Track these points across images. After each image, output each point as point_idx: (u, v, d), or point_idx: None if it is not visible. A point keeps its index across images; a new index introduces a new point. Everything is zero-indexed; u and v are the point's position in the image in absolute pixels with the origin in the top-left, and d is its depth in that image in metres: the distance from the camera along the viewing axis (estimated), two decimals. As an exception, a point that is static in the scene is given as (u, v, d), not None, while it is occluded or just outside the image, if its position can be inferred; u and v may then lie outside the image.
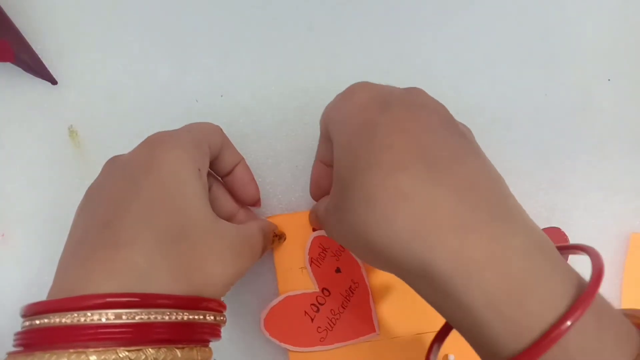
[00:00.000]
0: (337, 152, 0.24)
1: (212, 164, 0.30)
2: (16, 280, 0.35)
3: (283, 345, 0.32)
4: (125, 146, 0.35)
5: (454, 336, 0.32)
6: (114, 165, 0.26)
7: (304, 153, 0.35)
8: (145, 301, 0.21)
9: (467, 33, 0.36)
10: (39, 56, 0.35)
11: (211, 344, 0.25)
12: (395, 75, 0.36)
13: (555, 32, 0.36)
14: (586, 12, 0.36)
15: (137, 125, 0.36)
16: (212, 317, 0.24)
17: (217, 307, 0.25)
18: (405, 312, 0.33)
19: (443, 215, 0.20)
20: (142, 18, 0.36)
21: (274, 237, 0.32)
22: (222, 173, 0.31)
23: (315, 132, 0.35)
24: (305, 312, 0.32)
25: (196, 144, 0.27)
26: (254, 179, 0.32)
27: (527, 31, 0.36)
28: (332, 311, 0.32)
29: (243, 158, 0.32)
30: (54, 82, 0.36)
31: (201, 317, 0.23)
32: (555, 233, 0.32)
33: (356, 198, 0.22)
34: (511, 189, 0.36)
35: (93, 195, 0.26)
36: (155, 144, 0.26)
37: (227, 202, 0.31)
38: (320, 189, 0.30)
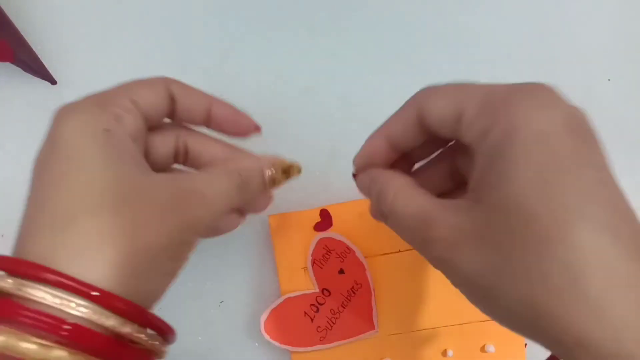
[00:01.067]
0: (509, 178, 0.18)
1: (176, 116, 0.27)
2: (16, 281, 0.35)
3: (283, 347, 0.32)
4: (125, 146, 0.36)
5: (452, 332, 0.32)
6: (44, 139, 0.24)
7: (304, 153, 0.35)
8: (103, 299, 0.19)
9: (467, 33, 0.36)
10: (39, 56, 0.35)
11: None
12: (395, 75, 0.36)
13: (555, 32, 0.36)
14: (586, 12, 0.36)
15: (137, 125, 0.36)
16: (154, 342, 0.21)
17: (166, 330, 0.22)
18: (405, 310, 0.33)
19: None
20: (142, 18, 0.36)
21: (274, 175, 0.26)
22: (199, 121, 0.27)
23: (315, 132, 0.35)
24: (305, 312, 0.32)
25: (100, 103, 0.24)
26: (237, 110, 0.28)
27: (527, 31, 0.36)
28: (332, 311, 0.32)
29: (214, 97, 0.27)
30: (53, 82, 0.36)
31: (143, 336, 0.20)
32: None
33: (546, 253, 0.16)
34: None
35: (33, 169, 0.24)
36: (56, 115, 0.24)
37: (213, 151, 0.27)
38: (370, 165, 0.26)
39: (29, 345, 0.18)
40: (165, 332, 0.22)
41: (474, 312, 0.32)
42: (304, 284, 0.33)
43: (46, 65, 0.35)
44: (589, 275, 0.16)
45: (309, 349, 0.32)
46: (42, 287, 0.19)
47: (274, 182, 0.27)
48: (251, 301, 0.34)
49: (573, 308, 0.16)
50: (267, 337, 0.32)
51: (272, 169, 0.26)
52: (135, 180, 0.22)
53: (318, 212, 0.33)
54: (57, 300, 0.18)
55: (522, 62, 0.36)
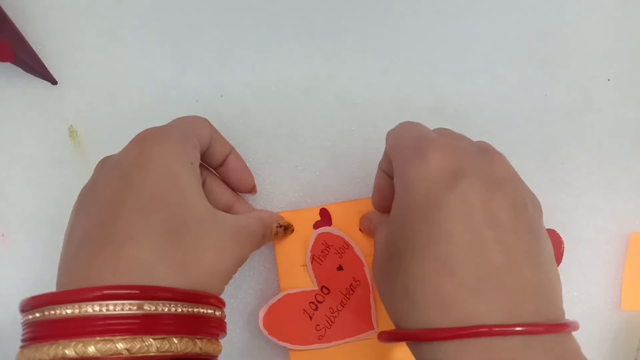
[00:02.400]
0: (396, 211, 0.24)
1: (203, 157, 0.30)
2: (16, 280, 0.35)
3: (281, 343, 0.32)
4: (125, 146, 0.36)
5: None
6: (106, 165, 0.26)
7: (304, 153, 0.35)
8: (144, 293, 0.21)
9: (467, 33, 0.36)
10: (39, 56, 0.35)
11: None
12: (395, 75, 0.36)
13: (555, 32, 0.36)
14: (586, 12, 0.36)
15: (137, 125, 0.35)
16: (208, 311, 0.24)
17: (217, 302, 0.25)
18: None
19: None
20: (142, 18, 0.36)
21: (278, 228, 0.32)
22: (215, 164, 0.31)
23: (315, 132, 0.35)
24: (304, 310, 0.32)
25: (186, 137, 0.27)
26: (247, 167, 0.33)
27: (527, 31, 0.36)
28: (331, 309, 0.32)
29: (233, 147, 0.32)
30: (54, 82, 0.36)
31: (203, 310, 0.23)
32: (550, 235, 0.32)
33: (398, 274, 0.22)
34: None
35: (88, 196, 0.26)
36: (145, 140, 0.26)
37: (223, 193, 0.32)
38: (384, 198, 0.30)
39: (120, 344, 0.20)
40: (214, 303, 0.24)
41: None
42: (303, 282, 0.33)
43: (46, 65, 0.35)
44: (418, 296, 0.22)
45: (308, 347, 0.32)
46: (94, 304, 0.21)
47: (276, 235, 0.32)
48: (251, 299, 0.34)
49: (406, 308, 0.22)
50: (265, 332, 0.32)
51: (278, 224, 0.32)
52: (211, 212, 0.26)
53: (318, 211, 0.34)
54: (111, 307, 0.21)
55: (522, 62, 0.36)
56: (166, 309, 0.21)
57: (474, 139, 0.35)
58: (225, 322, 0.25)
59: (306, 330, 0.32)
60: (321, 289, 0.32)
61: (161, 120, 0.35)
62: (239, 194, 0.34)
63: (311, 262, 0.32)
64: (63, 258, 0.24)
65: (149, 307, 0.21)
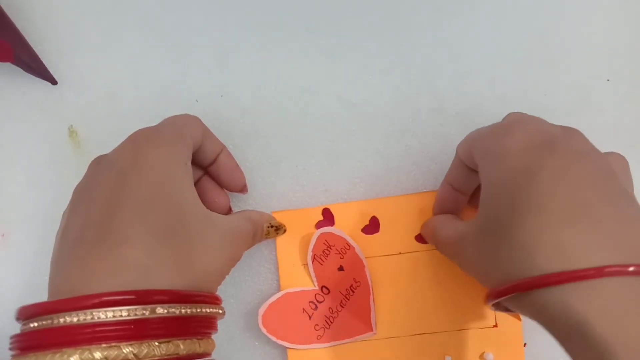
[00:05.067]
0: (488, 188, 0.25)
1: (195, 155, 0.30)
2: (16, 280, 0.35)
3: (280, 342, 0.32)
4: (125, 146, 0.36)
5: (451, 338, 0.32)
6: (100, 164, 0.26)
7: (304, 153, 0.35)
8: (141, 298, 0.21)
9: (467, 33, 0.36)
10: (39, 56, 0.35)
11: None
12: (395, 75, 0.36)
13: (555, 32, 0.36)
14: (586, 12, 0.36)
15: (137, 125, 0.35)
16: (207, 310, 0.24)
17: (213, 300, 0.25)
18: (404, 313, 0.33)
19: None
20: (142, 18, 0.36)
21: (269, 228, 0.32)
22: (206, 163, 0.31)
23: (315, 132, 0.35)
24: (304, 309, 0.32)
25: (179, 137, 0.27)
26: (238, 165, 0.33)
27: (527, 31, 0.36)
28: (330, 309, 0.32)
29: (225, 146, 0.32)
30: (54, 82, 0.36)
31: (197, 310, 0.23)
32: None
33: (509, 240, 0.23)
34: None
35: (82, 195, 0.26)
36: (139, 140, 0.26)
37: (215, 192, 0.32)
38: (444, 212, 0.32)
39: (126, 349, 0.20)
40: (212, 301, 0.25)
41: (473, 319, 0.32)
42: (304, 281, 0.33)
43: (46, 65, 0.35)
44: (538, 250, 0.22)
45: (306, 346, 0.32)
46: (93, 312, 0.21)
47: (267, 235, 0.32)
48: (251, 299, 0.34)
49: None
50: (264, 330, 0.32)
51: (269, 224, 0.32)
52: (205, 213, 0.26)
53: (320, 211, 0.34)
54: (110, 314, 0.21)
55: (522, 62, 0.36)
56: (165, 312, 0.22)
57: (474, 139, 0.35)
58: (216, 320, 0.26)
59: (305, 329, 0.32)
60: (321, 288, 0.32)
61: (161, 120, 0.36)
62: (229, 194, 0.33)
63: (312, 262, 0.32)
64: (56, 256, 0.25)
65: (145, 311, 0.21)
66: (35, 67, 0.35)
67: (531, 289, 0.22)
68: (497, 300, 0.24)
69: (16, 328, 0.23)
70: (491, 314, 0.32)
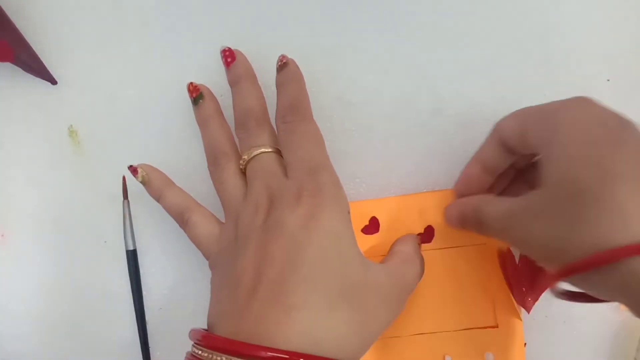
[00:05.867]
0: (561, 161, 0.25)
1: None
2: (16, 280, 0.35)
3: None
4: (125, 146, 0.36)
5: (452, 338, 0.32)
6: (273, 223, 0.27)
7: (304, 153, 0.35)
8: None
9: (467, 33, 0.36)
10: (39, 56, 0.35)
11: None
12: (395, 75, 0.36)
13: (554, 32, 0.36)
14: (586, 12, 0.36)
15: (137, 125, 0.36)
16: None
17: None
18: (404, 313, 0.33)
19: None
20: (141, 18, 0.36)
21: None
22: None
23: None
24: None
25: (340, 186, 0.28)
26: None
27: (526, 31, 0.36)
28: None
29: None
30: (54, 82, 0.36)
31: None
32: None
33: (596, 208, 0.23)
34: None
35: (259, 243, 0.26)
36: (314, 204, 0.26)
37: None
38: (469, 190, 0.32)
39: None
40: None
41: (474, 319, 0.32)
42: None
43: (46, 65, 0.35)
44: (629, 212, 0.22)
45: None
46: None
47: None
48: None
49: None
50: None
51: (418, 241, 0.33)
52: (367, 267, 0.26)
53: None
54: None
55: (522, 62, 0.36)
56: None
57: (474, 139, 0.35)
58: None
59: None
60: None
61: (161, 120, 0.36)
62: None
63: None
64: (230, 295, 0.25)
65: None
66: (35, 67, 0.35)
67: (629, 255, 0.21)
68: (574, 276, 0.24)
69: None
70: (492, 314, 0.32)
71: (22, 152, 0.36)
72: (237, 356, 0.22)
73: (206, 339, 0.24)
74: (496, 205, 0.28)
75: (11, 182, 0.36)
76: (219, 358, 0.22)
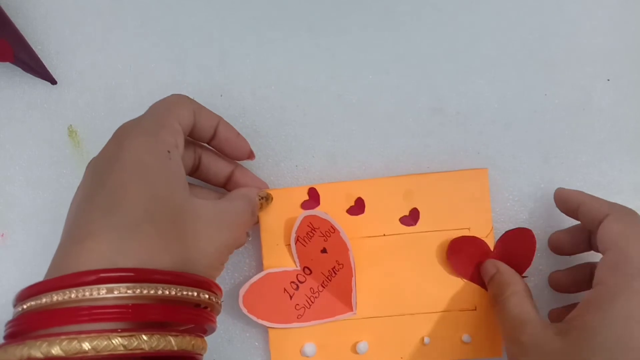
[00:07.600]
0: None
1: (192, 134, 0.30)
2: (16, 280, 0.35)
3: (260, 321, 0.32)
4: (125, 146, 0.36)
5: (431, 319, 0.32)
6: (88, 167, 0.27)
7: (304, 153, 0.35)
8: (139, 276, 0.21)
9: (467, 33, 0.36)
10: (39, 56, 0.35)
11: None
12: (395, 75, 0.36)
13: (555, 32, 0.36)
14: (586, 12, 0.36)
15: (137, 125, 0.36)
16: (206, 296, 0.24)
17: (212, 287, 0.24)
18: (384, 294, 0.33)
19: None
20: (141, 18, 0.36)
21: (261, 200, 0.32)
22: (206, 139, 0.31)
23: (315, 132, 0.35)
24: (285, 289, 0.32)
25: (160, 126, 0.27)
26: (239, 134, 0.32)
27: (527, 31, 0.36)
28: (312, 289, 0.32)
29: (221, 118, 0.31)
30: (54, 82, 0.36)
31: (195, 294, 0.23)
32: (525, 234, 0.32)
33: None
34: (510, 189, 0.36)
35: (72, 200, 0.26)
36: (121, 135, 0.26)
37: (221, 166, 0.32)
38: (559, 251, 0.33)
39: (85, 343, 0.19)
40: (210, 287, 0.24)
41: (453, 301, 0.33)
42: (286, 261, 0.33)
43: (46, 65, 0.35)
44: None
45: (286, 325, 0.32)
46: (92, 289, 0.20)
47: (260, 208, 0.32)
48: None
49: None
50: (245, 310, 0.32)
51: (259, 196, 0.32)
52: (187, 200, 0.25)
53: (306, 191, 0.33)
54: (103, 292, 0.20)
55: (522, 62, 0.36)
56: (152, 292, 0.21)
57: (474, 139, 0.35)
58: (214, 315, 0.25)
59: (285, 309, 0.32)
60: (303, 269, 0.32)
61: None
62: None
63: (295, 243, 0.32)
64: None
65: (138, 290, 0.21)
66: (35, 67, 0.35)
67: None
68: None
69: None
70: (471, 297, 0.33)
71: (22, 152, 0.36)
72: (42, 294, 0.21)
73: (17, 297, 0.23)
74: (518, 307, 0.29)
75: (11, 182, 0.36)
76: (31, 303, 0.22)
